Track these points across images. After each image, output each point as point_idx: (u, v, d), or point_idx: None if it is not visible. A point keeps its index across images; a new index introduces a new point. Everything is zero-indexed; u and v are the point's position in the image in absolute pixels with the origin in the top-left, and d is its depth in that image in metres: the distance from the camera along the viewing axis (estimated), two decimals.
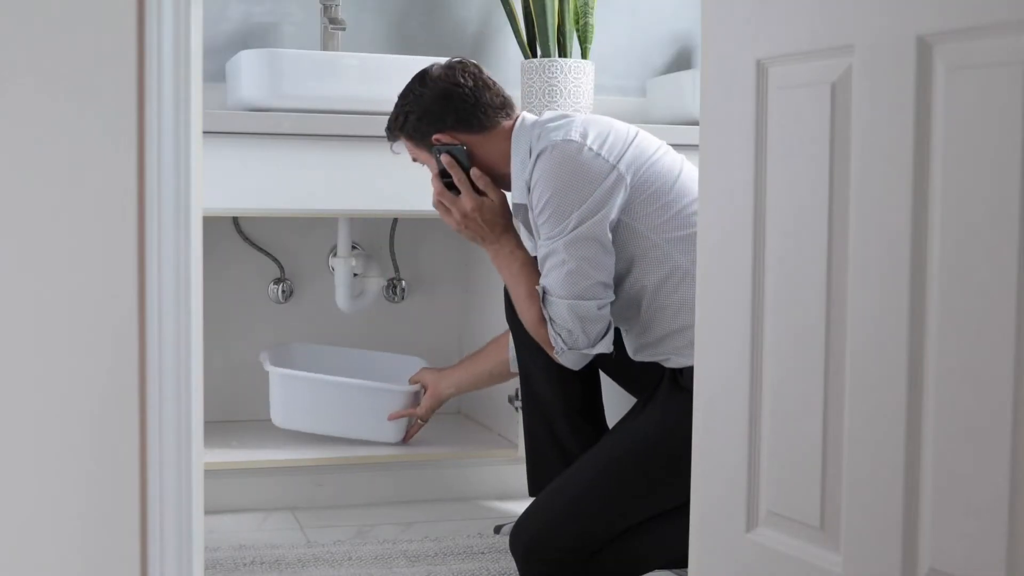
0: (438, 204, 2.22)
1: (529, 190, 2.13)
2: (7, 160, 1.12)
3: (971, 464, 1.18)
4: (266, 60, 2.56)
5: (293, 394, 2.66)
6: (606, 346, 2.15)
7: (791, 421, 1.39)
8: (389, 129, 2.25)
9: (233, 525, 2.48)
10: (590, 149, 2.09)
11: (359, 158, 2.53)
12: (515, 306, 2.23)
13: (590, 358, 2.17)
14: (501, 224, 2.21)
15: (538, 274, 2.17)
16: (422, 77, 2.20)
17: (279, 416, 2.68)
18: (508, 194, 2.23)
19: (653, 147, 2.17)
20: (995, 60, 1.14)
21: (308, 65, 2.59)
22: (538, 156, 2.10)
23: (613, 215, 2.09)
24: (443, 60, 2.24)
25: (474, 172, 2.18)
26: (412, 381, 2.70)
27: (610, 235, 2.09)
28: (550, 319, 2.13)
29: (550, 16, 2.84)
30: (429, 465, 2.70)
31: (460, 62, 2.21)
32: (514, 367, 2.47)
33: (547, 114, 2.22)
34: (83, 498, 1.16)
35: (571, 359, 2.16)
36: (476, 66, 2.21)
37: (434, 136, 2.18)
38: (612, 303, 2.18)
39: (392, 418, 2.63)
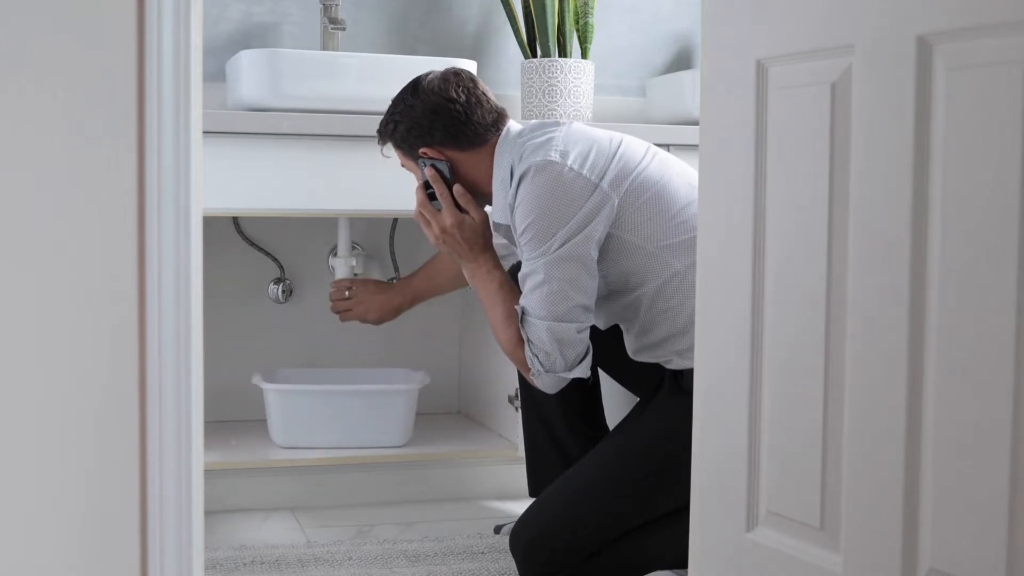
0: (419, 216, 2.22)
1: (512, 211, 2.11)
2: (7, 160, 1.12)
3: (971, 464, 1.18)
4: (266, 60, 2.56)
5: (291, 410, 2.66)
6: (583, 371, 2.12)
7: (791, 421, 1.39)
8: (379, 133, 2.23)
9: (233, 525, 2.48)
10: (571, 168, 2.06)
11: (359, 158, 2.53)
12: (492, 327, 2.21)
13: (566, 382, 2.14)
14: (480, 243, 2.19)
15: (515, 295, 2.16)
16: (415, 86, 2.17)
17: (279, 435, 2.68)
18: (490, 210, 2.22)
19: (639, 155, 2.14)
20: (995, 60, 1.14)
21: (308, 65, 2.59)
22: (520, 179, 2.08)
23: (599, 233, 2.06)
24: (439, 69, 2.21)
25: (457, 189, 2.17)
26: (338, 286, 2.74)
27: (595, 255, 2.07)
28: (528, 340, 2.10)
29: (550, 16, 2.84)
30: (429, 465, 2.70)
31: (456, 74, 2.17)
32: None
33: (531, 124, 2.19)
34: (83, 498, 1.16)
35: (547, 382, 2.13)
36: (472, 79, 2.18)
37: (420, 149, 2.17)
38: (611, 305, 2.18)
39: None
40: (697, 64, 3.19)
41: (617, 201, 2.07)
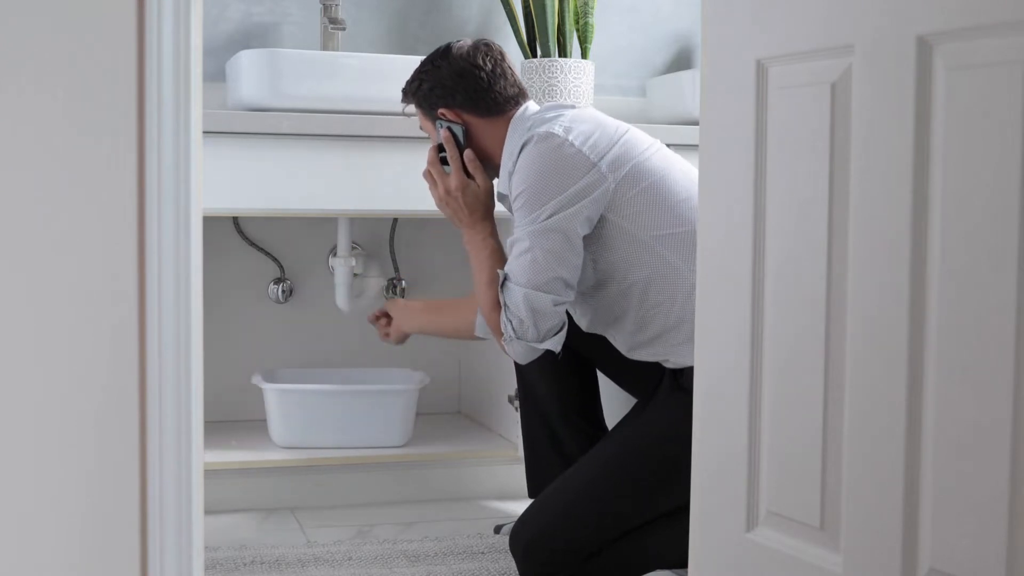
0: (427, 174, 2.26)
1: (510, 178, 2.15)
2: (7, 160, 1.12)
3: (971, 464, 1.18)
4: (266, 60, 2.56)
5: (291, 410, 2.66)
6: (555, 344, 2.14)
7: (791, 421, 1.39)
8: (404, 92, 2.28)
9: (233, 525, 2.48)
10: (571, 144, 2.10)
11: (359, 158, 2.53)
12: (476, 292, 2.24)
13: (539, 353, 2.16)
14: (480, 211, 2.23)
15: (503, 264, 2.19)
16: (446, 50, 2.23)
17: (279, 434, 2.68)
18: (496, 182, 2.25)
19: (643, 145, 2.17)
20: (995, 60, 1.14)
21: (308, 65, 2.59)
22: (522, 148, 2.13)
23: (588, 211, 2.09)
24: (470, 40, 2.26)
25: (467, 154, 2.21)
26: (376, 314, 2.54)
27: (582, 233, 2.10)
28: (504, 304, 2.13)
29: (550, 16, 2.84)
30: (429, 465, 2.70)
31: (487, 45, 2.23)
32: (479, 332, 2.31)
33: (546, 105, 2.24)
34: (83, 498, 1.16)
35: (518, 350, 2.15)
36: (500, 53, 2.23)
37: (440, 110, 2.21)
38: (601, 298, 2.18)
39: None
40: (697, 64, 3.19)
41: (613, 184, 2.10)
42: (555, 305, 2.10)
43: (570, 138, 2.10)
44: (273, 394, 2.66)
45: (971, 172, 1.17)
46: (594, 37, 3.00)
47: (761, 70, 1.41)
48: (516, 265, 2.11)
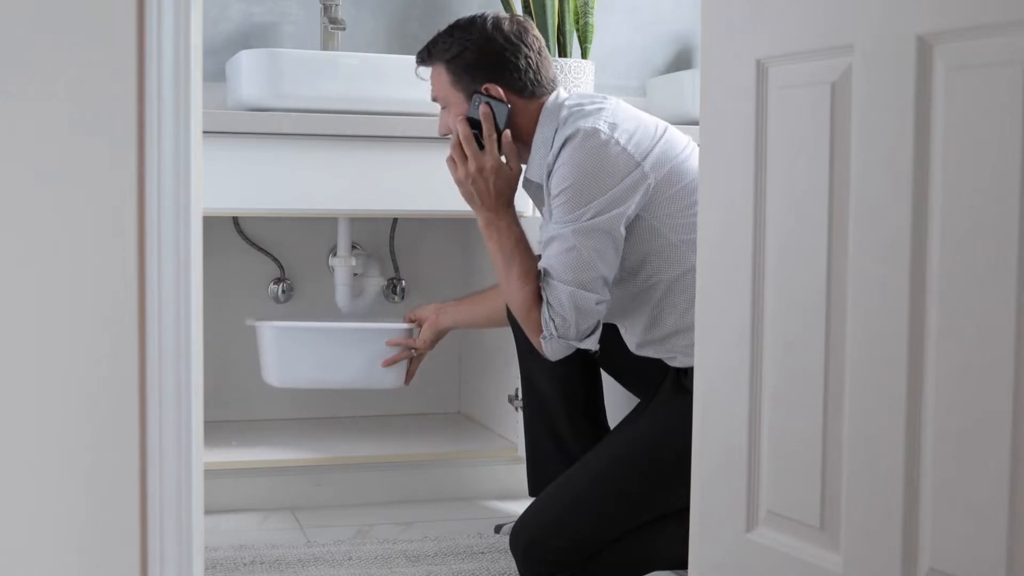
0: (455, 148, 2.14)
1: (549, 173, 2.10)
2: (7, 160, 1.12)
3: (971, 464, 1.18)
4: (266, 60, 2.56)
5: (286, 348, 2.59)
6: (592, 343, 2.12)
7: (791, 421, 1.39)
8: (429, 53, 2.18)
9: (233, 525, 2.48)
10: (616, 143, 2.05)
11: (359, 158, 2.53)
12: (503, 283, 2.17)
13: (571, 351, 2.13)
14: (507, 196, 2.15)
15: (531, 254, 2.15)
16: (495, 22, 2.14)
17: (273, 374, 2.61)
18: (523, 167, 2.19)
19: (681, 145, 2.14)
20: (995, 60, 1.15)
21: (308, 65, 2.59)
22: (565, 141, 2.07)
23: (630, 211, 2.06)
24: (506, 13, 2.19)
25: (506, 136, 2.13)
26: (409, 318, 2.59)
27: (623, 232, 2.07)
28: (547, 302, 2.08)
29: (550, 16, 2.84)
30: (429, 465, 2.70)
31: (527, 21, 2.17)
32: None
33: (578, 93, 2.19)
34: (83, 498, 1.16)
35: (555, 347, 2.11)
36: (538, 35, 2.19)
37: (485, 85, 2.13)
38: (621, 292, 2.17)
39: (388, 363, 2.56)
40: (697, 64, 3.19)
41: (654, 184, 2.07)
42: (597, 304, 2.07)
43: (615, 136, 2.06)
44: (269, 331, 2.59)
45: (971, 172, 1.17)
46: (594, 37, 3.00)
47: (761, 70, 1.41)
48: (558, 262, 2.06)
